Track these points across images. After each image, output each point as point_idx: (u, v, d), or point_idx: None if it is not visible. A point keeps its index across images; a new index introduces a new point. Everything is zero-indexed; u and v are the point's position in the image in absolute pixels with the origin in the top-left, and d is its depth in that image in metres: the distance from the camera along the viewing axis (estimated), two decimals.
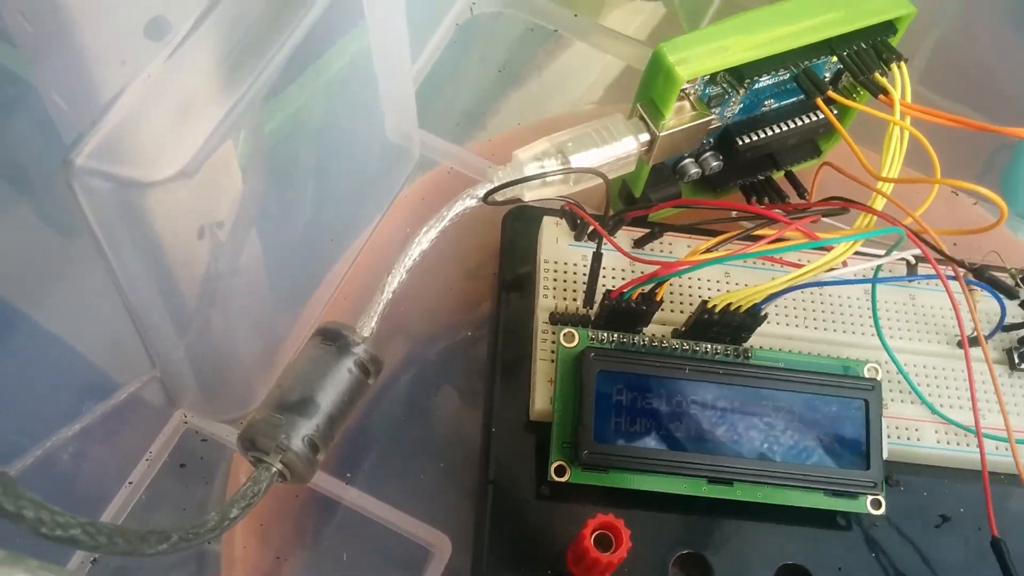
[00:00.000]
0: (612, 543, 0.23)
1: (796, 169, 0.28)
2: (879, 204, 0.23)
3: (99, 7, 0.20)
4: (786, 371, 0.24)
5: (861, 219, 0.23)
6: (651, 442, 0.23)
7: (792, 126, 0.26)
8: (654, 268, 0.23)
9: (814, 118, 0.26)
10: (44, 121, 0.21)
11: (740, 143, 0.26)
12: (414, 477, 0.27)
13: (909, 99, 0.23)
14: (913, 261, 0.26)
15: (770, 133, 0.26)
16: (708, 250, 0.22)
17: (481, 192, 0.24)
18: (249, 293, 0.26)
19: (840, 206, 0.22)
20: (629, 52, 0.34)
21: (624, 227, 0.26)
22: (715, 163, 0.27)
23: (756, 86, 0.25)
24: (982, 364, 0.26)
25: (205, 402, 0.26)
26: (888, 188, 0.23)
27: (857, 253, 0.22)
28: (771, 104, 0.26)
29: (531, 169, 0.24)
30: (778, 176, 0.28)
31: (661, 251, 0.27)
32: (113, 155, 0.18)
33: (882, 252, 0.25)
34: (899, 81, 0.23)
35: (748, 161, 0.27)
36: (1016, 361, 0.26)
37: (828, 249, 0.22)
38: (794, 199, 0.28)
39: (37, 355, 0.24)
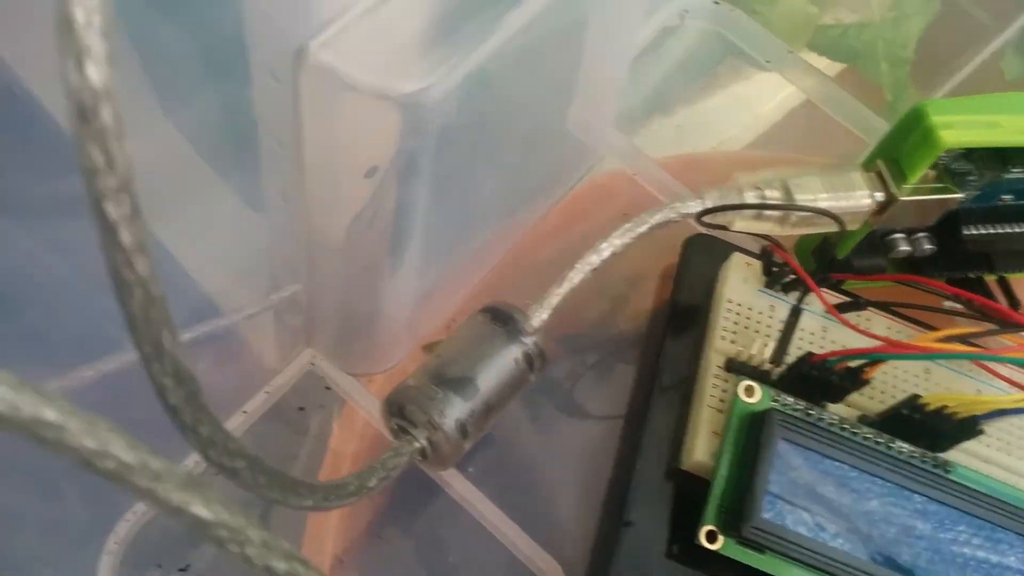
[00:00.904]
0: None
1: (1011, 277, 0.26)
2: None
3: None
4: (991, 499, 0.21)
5: None
6: (821, 535, 0.20)
7: None
8: (872, 344, 0.20)
9: None
10: (230, 26, 0.19)
11: (966, 232, 0.24)
12: (532, 490, 0.25)
13: None
14: None
15: (1001, 231, 0.24)
16: (943, 340, 0.20)
17: (692, 209, 0.22)
18: (405, 248, 0.24)
19: None
20: (826, 95, 0.32)
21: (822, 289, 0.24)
22: (928, 246, 0.24)
23: (1007, 175, 0.23)
24: None
25: (337, 347, 0.25)
26: None
27: None
28: (1007, 200, 0.24)
29: (751, 196, 0.22)
30: (989, 279, 0.26)
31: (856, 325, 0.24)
32: (349, 57, 0.17)
33: None
34: None
35: (964, 254, 0.25)
36: None
37: None
38: None
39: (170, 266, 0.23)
